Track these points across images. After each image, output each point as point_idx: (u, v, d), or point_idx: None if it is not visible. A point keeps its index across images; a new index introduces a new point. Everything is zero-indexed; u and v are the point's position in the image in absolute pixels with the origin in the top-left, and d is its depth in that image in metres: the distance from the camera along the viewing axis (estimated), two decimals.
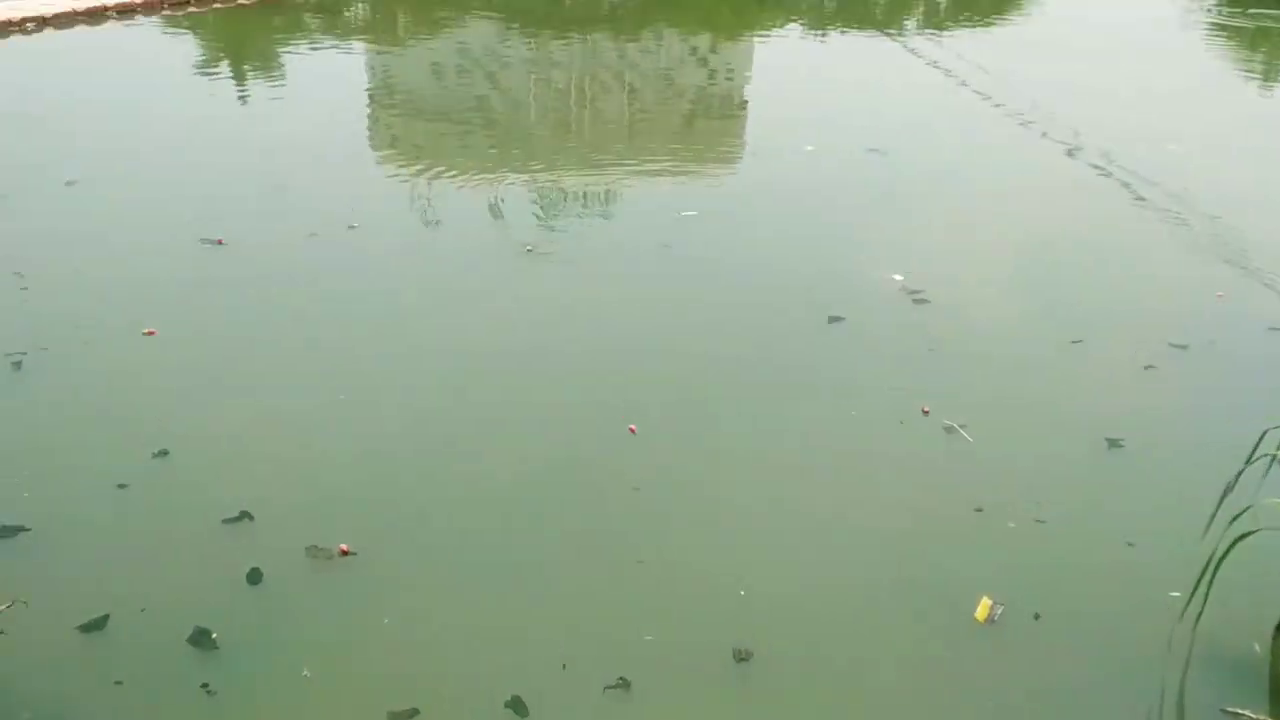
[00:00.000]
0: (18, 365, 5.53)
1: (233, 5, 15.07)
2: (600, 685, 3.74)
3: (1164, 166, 9.44)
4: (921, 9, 19.20)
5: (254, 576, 4.16)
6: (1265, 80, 13.97)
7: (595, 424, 5.25)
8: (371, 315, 6.30)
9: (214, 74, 12.08)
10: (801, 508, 4.72)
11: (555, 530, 4.52)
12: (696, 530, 4.56)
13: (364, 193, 8.35)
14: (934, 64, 13.69)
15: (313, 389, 5.47)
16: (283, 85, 11.68)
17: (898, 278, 6.94)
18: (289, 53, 13.34)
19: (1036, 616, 4.12)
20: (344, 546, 4.31)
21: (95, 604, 3.97)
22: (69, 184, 8.06)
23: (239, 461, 4.86)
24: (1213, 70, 14.41)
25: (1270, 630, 4.02)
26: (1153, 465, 5.13)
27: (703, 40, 15.53)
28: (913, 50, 14.68)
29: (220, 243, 7.09)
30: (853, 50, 15.38)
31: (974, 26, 17.52)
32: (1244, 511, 3.76)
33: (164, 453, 4.87)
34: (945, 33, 16.39)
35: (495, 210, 8.05)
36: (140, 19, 14.03)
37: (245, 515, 4.47)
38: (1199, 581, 3.77)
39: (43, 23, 13.22)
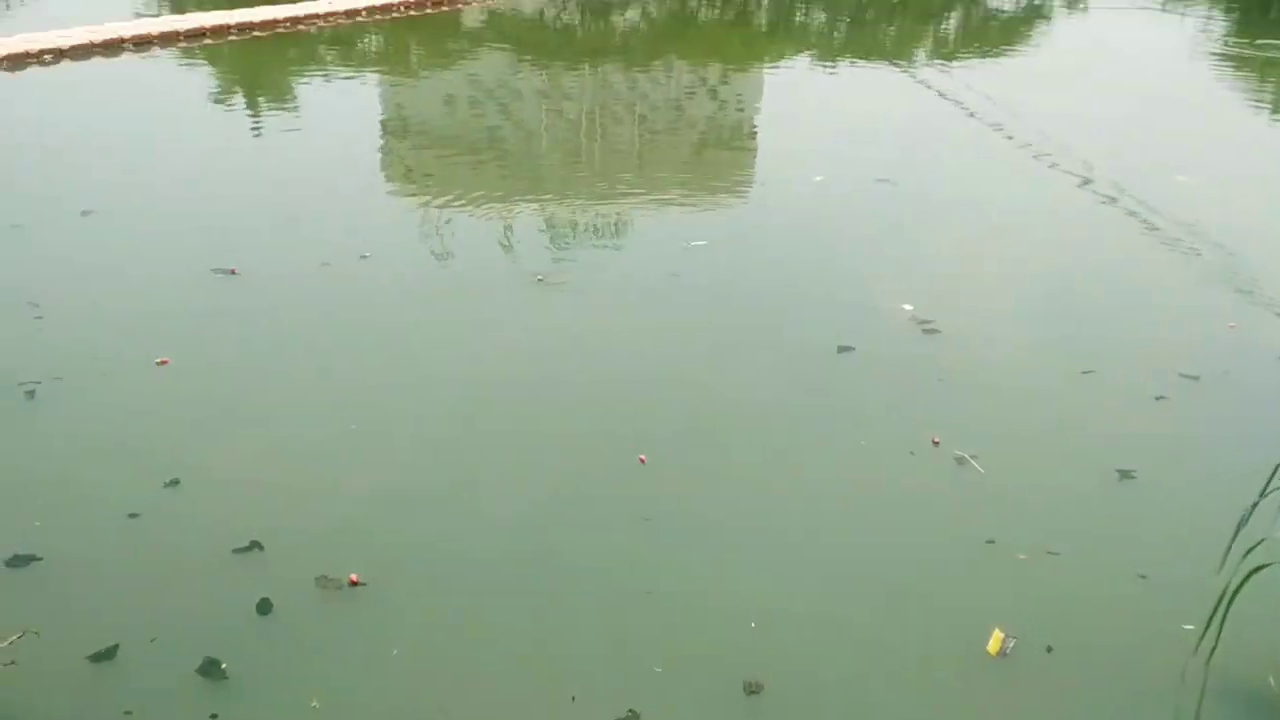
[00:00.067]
0: (31, 394, 5.57)
1: (248, 37, 15.26)
2: (610, 718, 3.72)
3: (1174, 197, 9.45)
4: (930, 40, 19.33)
5: (264, 607, 4.16)
6: (1274, 110, 13.99)
7: (605, 454, 5.26)
8: (383, 345, 6.33)
9: (229, 105, 12.20)
10: (812, 539, 4.71)
11: (564, 561, 4.51)
12: (706, 561, 4.55)
13: (376, 223, 8.41)
14: (943, 95, 13.75)
15: (324, 419, 5.49)
16: (297, 116, 11.78)
17: (907, 308, 6.95)
18: (303, 84, 13.47)
19: (1049, 649, 4.10)
20: (354, 577, 4.31)
21: (106, 634, 3.98)
22: (84, 215, 8.13)
23: (250, 491, 4.87)
24: (1221, 100, 14.44)
25: None
26: (1165, 496, 5.11)
27: (713, 71, 15.64)
28: (922, 81, 14.75)
29: (233, 273, 7.15)
30: (862, 81, 15.46)
31: (983, 58, 17.63)
32: (1258, 544, 3.73)
33: (175, 482, 4.89)
34: (954, 64, 16.50)
35: (506, 241, 8.10)
36: (156, 51, 14.19)
37: (256, 545, 4.49)
38: (1213, 614, 3.74)
39: (60, 54, 13.38)
